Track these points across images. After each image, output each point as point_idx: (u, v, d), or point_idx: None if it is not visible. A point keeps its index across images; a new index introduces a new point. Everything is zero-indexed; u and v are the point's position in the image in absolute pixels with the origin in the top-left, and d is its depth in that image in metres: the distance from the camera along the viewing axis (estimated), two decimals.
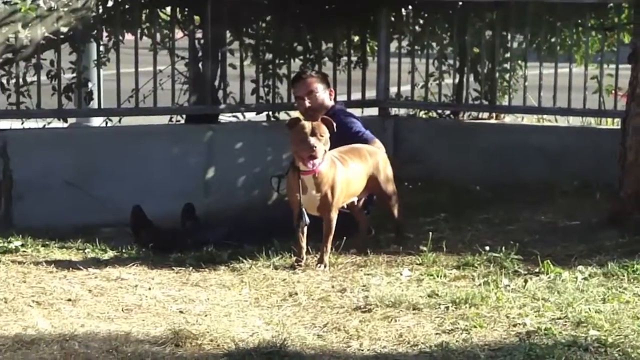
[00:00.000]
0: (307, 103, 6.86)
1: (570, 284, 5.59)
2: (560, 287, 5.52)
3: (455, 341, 4.75)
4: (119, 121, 8.00)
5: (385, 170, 6.50)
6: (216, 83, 7.89)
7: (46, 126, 7.79)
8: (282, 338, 4.69)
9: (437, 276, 5.80)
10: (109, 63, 7.68)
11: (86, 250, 6.42)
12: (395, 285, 5.66)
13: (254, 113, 8.32)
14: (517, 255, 6.03)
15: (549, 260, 5.90)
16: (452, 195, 7.81)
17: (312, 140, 5.92)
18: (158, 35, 7.74)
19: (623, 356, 4.54)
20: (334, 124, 6.04)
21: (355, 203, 6.45)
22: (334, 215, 6.12)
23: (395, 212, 6.58)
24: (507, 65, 8.52)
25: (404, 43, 8.73)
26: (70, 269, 5.95)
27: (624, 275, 5.72)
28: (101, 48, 7.61)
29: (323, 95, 6.91)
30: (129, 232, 6.81)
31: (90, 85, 7.69)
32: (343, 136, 6.32)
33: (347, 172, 6.20)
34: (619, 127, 7.18)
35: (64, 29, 7.32)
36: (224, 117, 8.11)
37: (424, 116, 8.83)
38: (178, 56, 7.81)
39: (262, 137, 7.91)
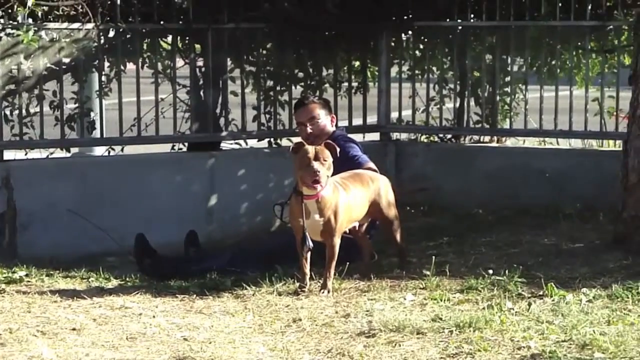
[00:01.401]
0: (309, 129, 6.88)
1: (574, 306, 5.58)
2: (564, 310, 5.51)
3: None
4: (122, 150, 8.02)
5: (387, 196, 6.51)
6: (218, 110, 7.93)
7: (49, 156, 7.80)
8: None
9: (441, 300, 5.79)
10: (111, 93, 7.72)
11: (90, 279, 6.44)
12: (399, 309, 5.65)
13: (256, 140, 8.35)
14: (520, 278, 6.03)
15: (552, 283, 5.89)
16: (454, 219, 7.82)
17: (316, 165, 5.94)
18: (159, 64, 7.78)
19: None
20: (337, 149, 6.07)
21: (357, 228, 6.46)
22: (337, 241, 6.12)
23: (398, 237, 6.59)
24: (508, 89, 8.55)
25: (405, 68, 8.76)
26: (75, 298, 5.96)
27: (628, 297, 5.71)
28: (103, 78, 7.65)
29: (325, 121, 6.93)
30: (132, 260, 6.82)
31: (92, 115, 7.72)
32: (340, 160, 6.33)
33: (350, 197, 6.21)
34: (620, 149, 7.19)
35: (66, 60, 7.37)
36: (226, 145, 8.14)
37: (425, 140, 8.85)
38: (179, 84, 7.85)
39: (264, 163, 7.93)
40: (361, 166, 6.66)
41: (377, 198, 6.44)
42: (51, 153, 7.82)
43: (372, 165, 6.74)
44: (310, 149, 6.01)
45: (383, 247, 6.81)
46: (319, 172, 5.93)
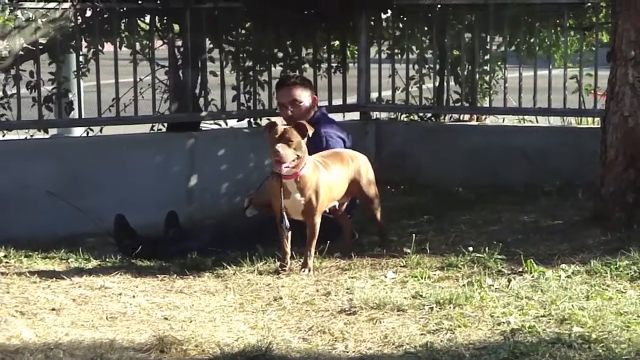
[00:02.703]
0: (290, 112, 6.82)
1: (553, 282, 5.61)
2: (543, 286, 5.53)
3: (440, 341, 4.76)
4: (100, 131, 7.99)
5: (367, 174, 6.50)
6: (197, 91, 7.89)
7: (27, 137, 7.75)
8: (267, 342, 4.69)
9: (421, 277, 5.81)
10: (89, 74, 7.67)
11: (69, 260, 6.41)
12: (379, 287, 5.66)
13: (236, 120, 8.32)
14: (500, 255, 6.04)
15: (532, 260, 5.91)
16: (434, 198, 7.83)
17: (278, 145, 5.92)
18: (138, 45, 7.73)
19: (607, 352, 4.55)
20: (308, 129, 6.02)
21: (338, 207, 6.46)
22: (318, 220, 6.12)
23: (378, 215, 6.59)
24: (487, 67, 8.55)
25: (384, 47, 8.74)
26: (54, 278, 5.94)
27: (606, 273, 5.74)
28: (81, 58, 7.60)
29: (307, 103, 6.87)
30: (112, 241, 6.80)
31: (70, 95, 7.68)
32: (318, 148, 6.34)
33: (330, 176, 6.21)
34: (599, 126, 7.20)
35: (43, 40, 7.32)
36: (206, 125, 8.11)
37: (405, 119, 8.85)
38: (158, 65, 7.81)
39: (243, 143, 7.91)
40: None
41: (358, 177, 6.43)
42: (31, 135, 7.78)
43: None
44: (278, 129, 5.99)
45: (363, 226, 6.81)
46: (279, 152, 5.91)
